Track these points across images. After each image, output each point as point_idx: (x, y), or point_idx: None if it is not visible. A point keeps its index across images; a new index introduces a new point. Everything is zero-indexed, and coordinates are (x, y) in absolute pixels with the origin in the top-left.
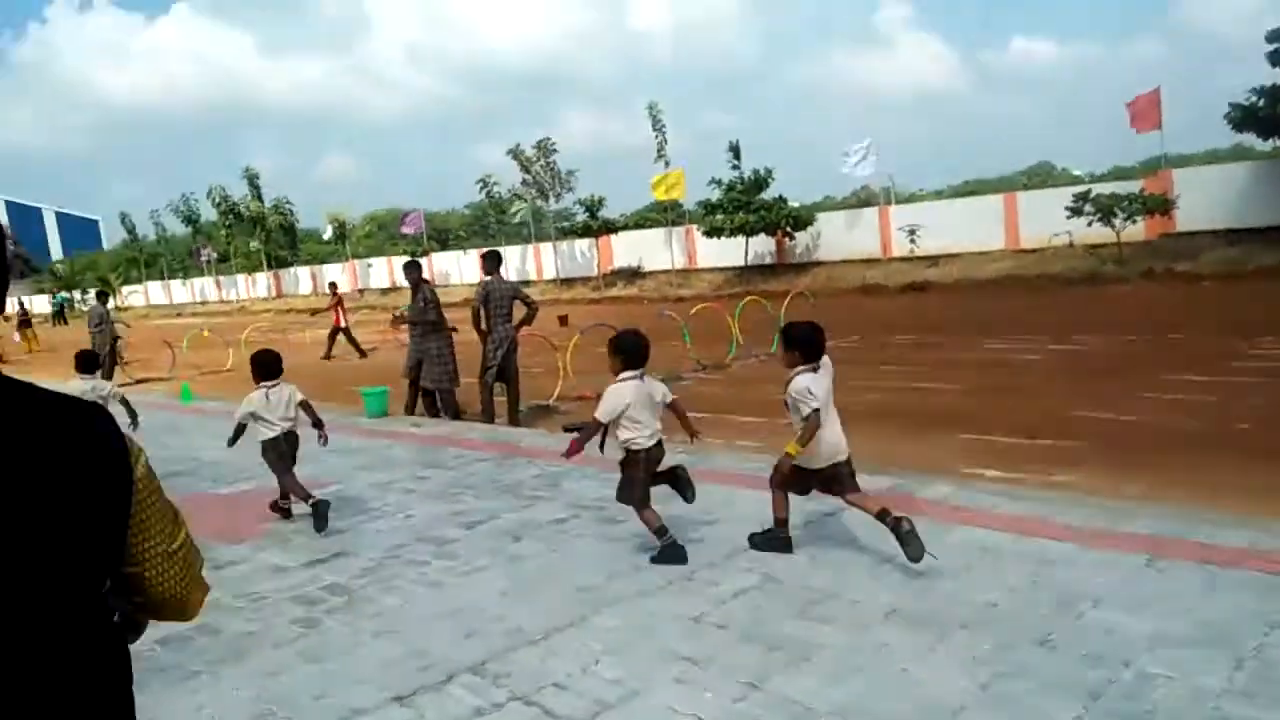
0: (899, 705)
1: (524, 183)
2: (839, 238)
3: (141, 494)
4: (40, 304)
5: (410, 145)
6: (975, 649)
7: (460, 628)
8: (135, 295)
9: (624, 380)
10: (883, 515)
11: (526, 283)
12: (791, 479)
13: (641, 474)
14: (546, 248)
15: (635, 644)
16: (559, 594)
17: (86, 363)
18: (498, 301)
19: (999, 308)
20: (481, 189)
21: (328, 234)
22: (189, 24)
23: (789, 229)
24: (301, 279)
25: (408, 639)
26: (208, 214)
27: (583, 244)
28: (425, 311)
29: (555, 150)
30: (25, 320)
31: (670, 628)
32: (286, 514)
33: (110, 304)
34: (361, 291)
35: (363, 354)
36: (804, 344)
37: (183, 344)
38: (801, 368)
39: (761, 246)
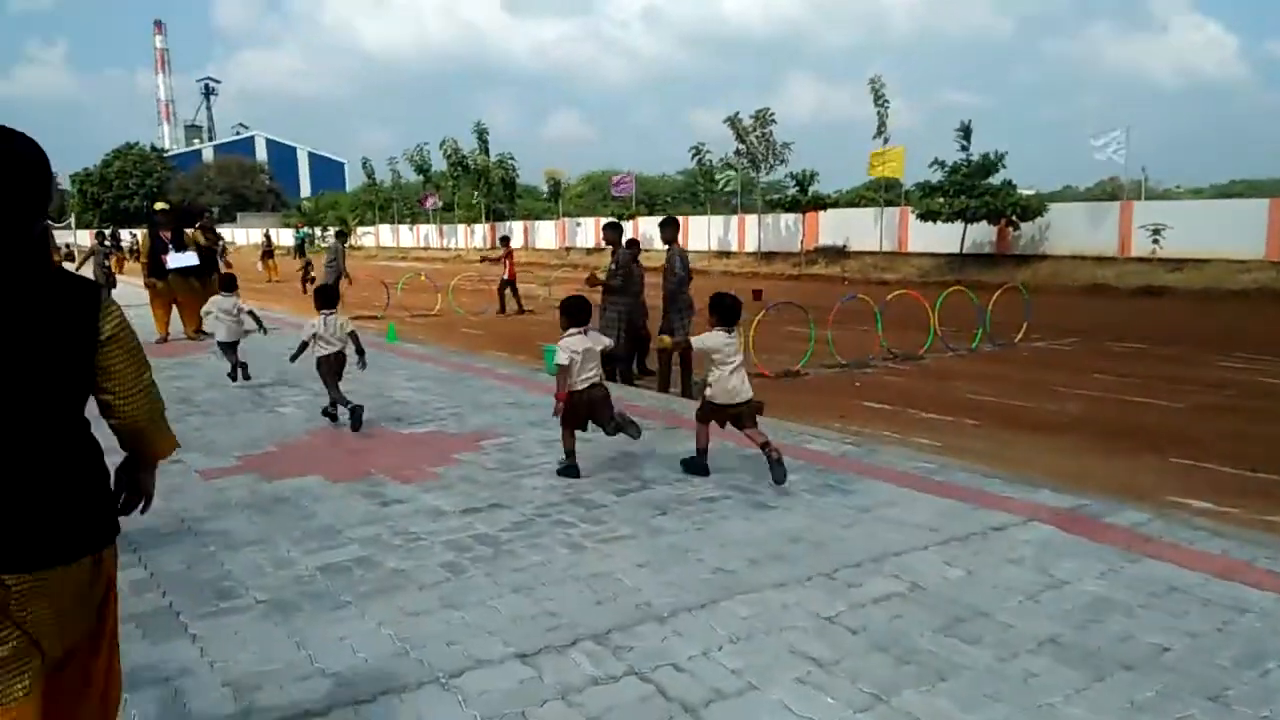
0: None
1: (737, 152)
2: (1071, 231)
3: (108, 340)
4: (286, 237)
5: (633, 109)
6: (1136, 694)
7: (592, 594)
8: (367, 236)
9: (572, 335)
10: (764, 446)
11: (727, 254)
12: (708, 415)
13: (577, 408)
14: (751, 219)
15: (762, 636)
16: (694, 574)
17: (325, 298)
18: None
19: (1245, 323)
20: (694, 156)
21: (544, 191)
22: None
23: (1014, 218)
24: (515, 232)
25: (541, 598)
26: (438, 164)
27: (788, 218)
28: (613, 275)
29: (773, 121)
30: (268, 251)
31: (801, 625)
32: (334, 418)
33: (346, 242)
34: (568, 249)
35: (521, 310)
36: (725, 311)
37: (398, 286)
38: (718, 330)
39: (981, 234)
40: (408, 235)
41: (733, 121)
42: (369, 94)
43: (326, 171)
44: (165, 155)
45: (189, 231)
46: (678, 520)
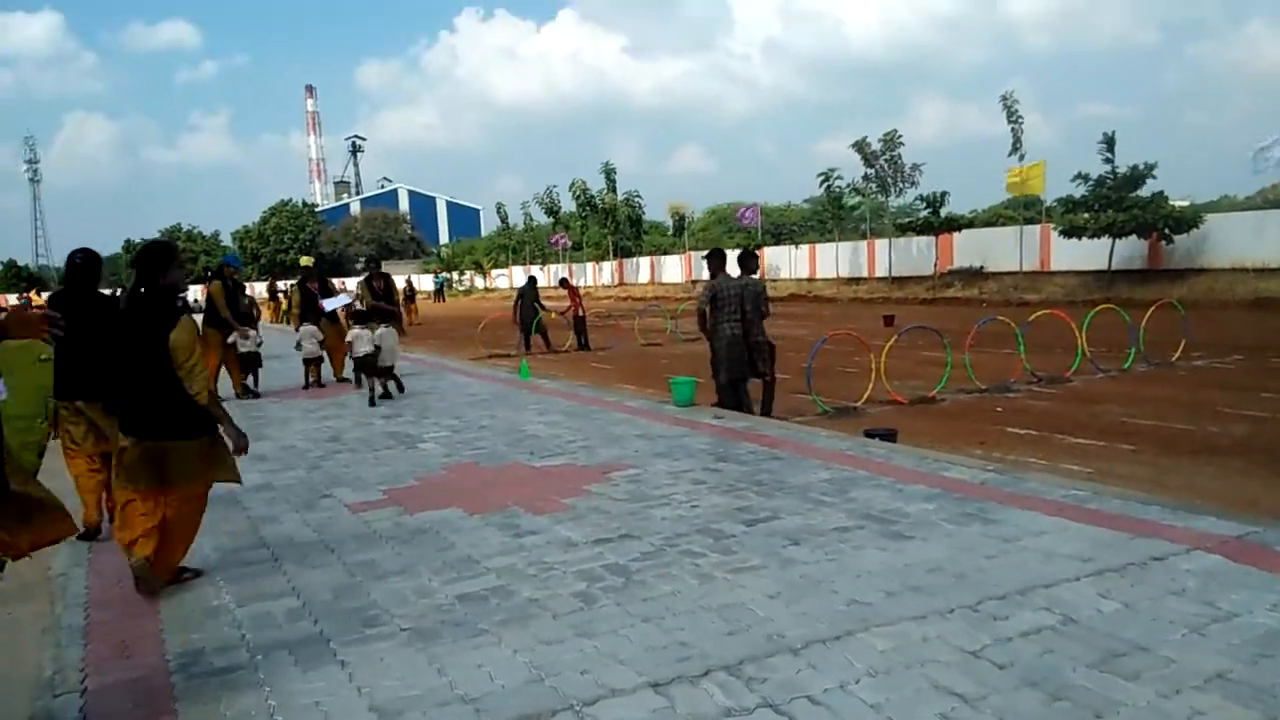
0: None
1: (865, 177)
2: (1230, 242)
3: (174, 338)
4: (426, 282)
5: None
6: None
7: (724, 624)
8: (502, 278)
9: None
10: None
11: (857, 280)
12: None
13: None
14: (881, 244)
15: (902, 670)
16: (829, 605)
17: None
18: (725, 300)
19: None
20: (822, 182)
21: (669, 225)
22: (571, 29)
23: (1167, 230)
24: (642, 268)
25: (672, 628)
26: (568, 205)
27: (920, 241)
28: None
29: (901, 143)
30: (410, 296)
31: (943, 659)
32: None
33: (533, 285)
34: (694, 282)
35: (581, 346)
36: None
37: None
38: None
39: (1130, 250)
40: (539, 275)
41: (860, 146)
42: (501, 142)
43: (463, 218)
44: (317, 210)
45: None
46: (810, 551)
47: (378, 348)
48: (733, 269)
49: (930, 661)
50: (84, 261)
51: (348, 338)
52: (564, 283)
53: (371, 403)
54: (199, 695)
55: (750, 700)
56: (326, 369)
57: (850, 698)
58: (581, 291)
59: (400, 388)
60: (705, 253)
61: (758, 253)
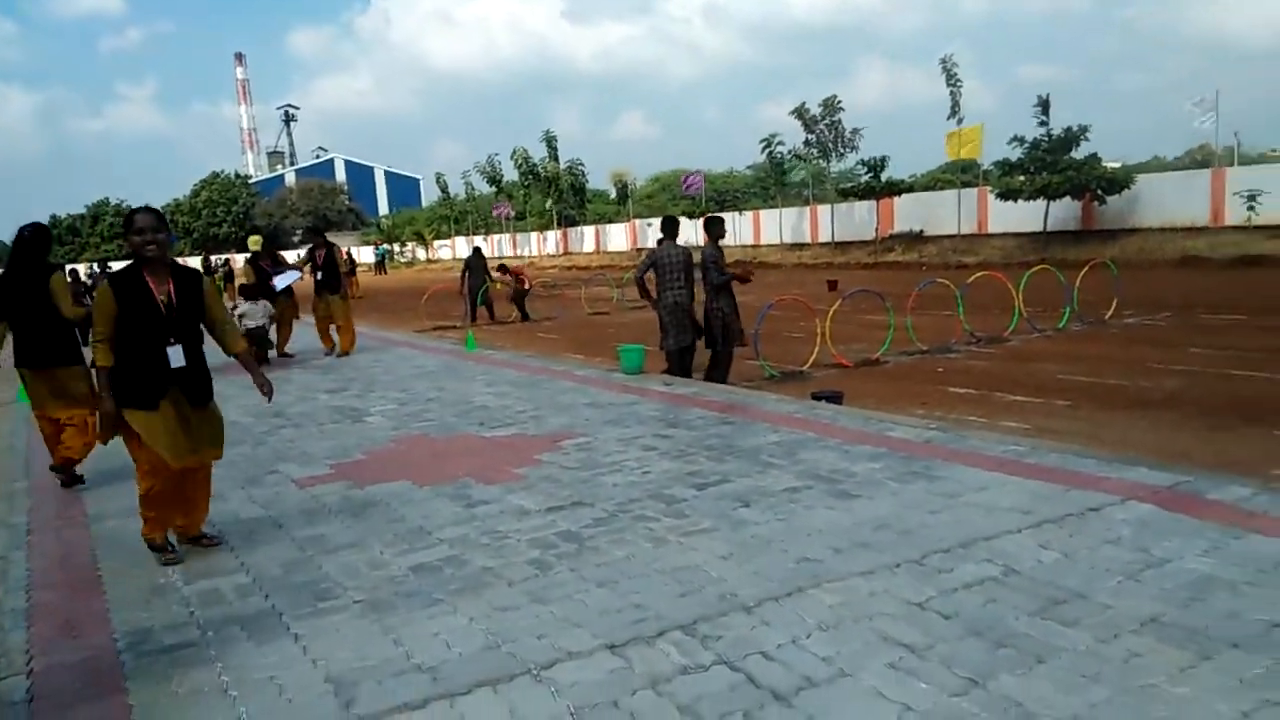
0: None
1: (806, 142)
2: (1160, 202)
3: (207, 294)
4: (366, 254)
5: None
6: (1245, 671)
7: (678, 586)
8: (444, 249)
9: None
10: None
11: (801, 245)
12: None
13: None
14: (824, 209)
15: (851, 624)
16: (780, 564)
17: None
18: (666, 268)
19: None
20: (764, 149)
21: (613, 193)
22: None
23: (1100, 192)
24: (586, 237)
25: (627, 591)
26: (510, 174)
27: (862, 206)
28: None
29: (841, 108)
30: (351, 268)
31: (891, 611)
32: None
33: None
34: (639, 250)
35: (503, 319)
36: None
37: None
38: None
39: (1065, 211)
40: (483, 246)
41: (799, 112)
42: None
43: (402, 188)
44: (250, 181)
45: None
46: (760, 512)
47: (272, 320)
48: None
49: (878, 615)
50: (32, 235)
51: (238, 311)
52: (503, 269)
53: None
54: (150, 673)
55: (706, 658)
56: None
57: (803, 652)
58: (526, 263)
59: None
60: (650, 220)
61: (720, 216)
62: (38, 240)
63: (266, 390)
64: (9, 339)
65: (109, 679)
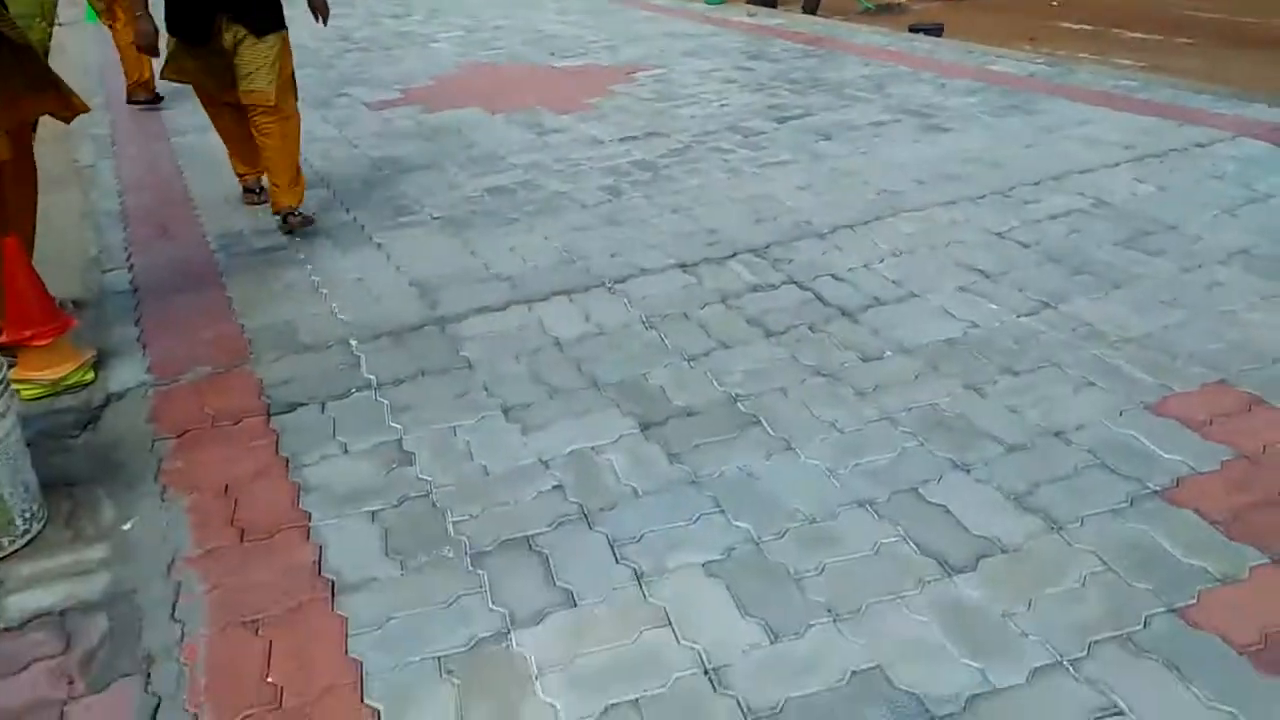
0: (1211, 345)
1: None
2: None
3: None
4: None
5: None
6: None
7: (751, 213)
8: None
9: None
10: None
11: None
12: None
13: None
14: None
15: (926, 250)
16: (858, 195)
17: None
18: None
19: None
20: None
21: None
22: None
23: None
24: None
25: (700, 217)
26: None
27: None
28: None
29: None
30: None
31: (970, 240)
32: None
33: None
34: None
35: None
36: None
37: None
38: None
39: None
40: None
41: None
42: None
43: None
44: None
45: None
46: (841, 145)
47: None
48: None
49: (955, 243)
50: None
51: None
52: None
53: None
54: (244, 269)
55: (776, 278)
56: None
57: (873, 275)
58: None
59: None
60: None
61: None
62: None
63: (323, 10)
64: None
65: (206, 274)
